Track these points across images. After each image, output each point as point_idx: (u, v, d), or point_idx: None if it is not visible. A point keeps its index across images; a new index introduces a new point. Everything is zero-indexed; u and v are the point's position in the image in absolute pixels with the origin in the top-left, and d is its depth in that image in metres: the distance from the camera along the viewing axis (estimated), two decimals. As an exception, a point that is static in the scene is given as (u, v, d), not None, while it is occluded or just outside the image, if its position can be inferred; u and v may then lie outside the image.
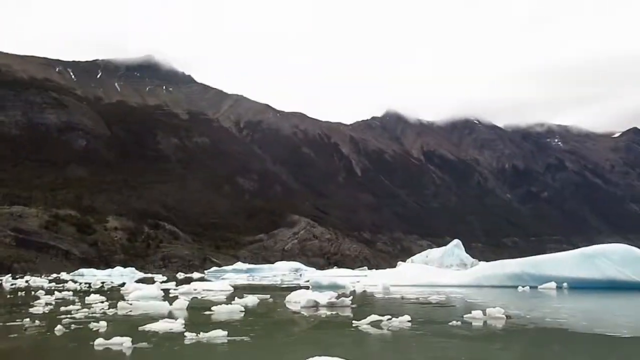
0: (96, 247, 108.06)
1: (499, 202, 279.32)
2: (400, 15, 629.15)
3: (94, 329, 9.57)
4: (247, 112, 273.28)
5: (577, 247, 27.67)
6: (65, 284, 36.87)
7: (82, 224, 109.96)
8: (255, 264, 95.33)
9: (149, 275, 70.67)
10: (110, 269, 76.33)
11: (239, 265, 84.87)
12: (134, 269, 78.08)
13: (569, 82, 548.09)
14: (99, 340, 7.52)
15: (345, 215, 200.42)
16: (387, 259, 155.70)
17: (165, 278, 53.10)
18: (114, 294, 22.47)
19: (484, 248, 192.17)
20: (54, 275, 64.15)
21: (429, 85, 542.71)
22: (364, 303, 15.31)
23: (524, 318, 10.91)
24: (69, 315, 12.26)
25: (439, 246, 76.35)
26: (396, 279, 31.04)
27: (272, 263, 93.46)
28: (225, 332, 8.01)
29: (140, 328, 9.28)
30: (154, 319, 10.60)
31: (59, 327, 9.42)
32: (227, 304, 13.54)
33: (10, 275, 61.45)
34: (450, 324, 9.52)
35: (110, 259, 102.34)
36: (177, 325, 9.21)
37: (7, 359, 7.16)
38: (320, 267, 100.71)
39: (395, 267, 79.93)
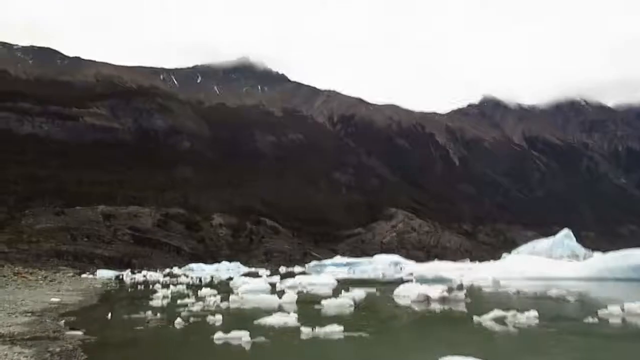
0: (203, 243, 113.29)
1: (613, 188, 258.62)
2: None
3: (211, 322, 9.78)
4: (339, 106, 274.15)
5: None
6: (178, 278, 39.02)
7: (189, 222, 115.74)
8: (354, 257, 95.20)
9: (253, 269, 73.09)
10: (217, 264, 79.57)
11: (339, 259, 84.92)
12: (239, 263, 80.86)
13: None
14: (219, 334, 7.58)
15: (444, 206, 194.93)
16: (489, 251, 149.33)
17: (268, 272, 54.61)
18: (223, 288, 23.26)
19: (597, 238, 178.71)
20: (167, 270, 68.09)
21: (528, 67, 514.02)
22: (477, 297, 14.51)
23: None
24: (186, 309, 12.72)
25: (546, 237, 71.36)
26: (505, 272, 29.48)
27: (371, 256, 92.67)
28: (341, 327, 7.78)
29: (255, 322, 9.33)
30: (266, 312, 10.65)
31: (178, 320, 9.73)
32: (334, 297, 13.41)
33: (129, 270, 66.16)
34: (585, 321, 8.64)
35: (217, 254, 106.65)
36: (291, 319, 9.14)
37: (135, 350, 7.40)
38: (420, 260, 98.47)
39: (499, 259, 76.66)
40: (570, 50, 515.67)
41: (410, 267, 64.81)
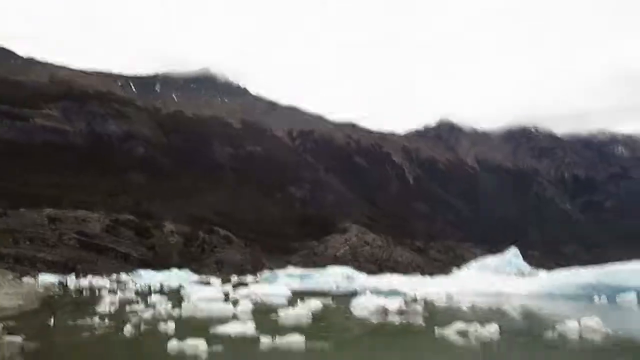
0: (153, 250, 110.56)
1: (558, 212, 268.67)
2: (453, 25, 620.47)
3: (163, 330, 9.27)
4: (299, 122, 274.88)
5: None
6: (126, 285, 37.69)
7: (140, 228, 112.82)
8: (306, 268, 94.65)
9: (204, 277, 71.61)
10: (167, 271, 77.64)
11: (291, 270, 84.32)
12: (189, 271, 79.20)
13: (632, 88, 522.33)
14: (173, 342, 7.12)
15: (397, 223, 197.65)
16: (440, 267, 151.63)
17: (220, 281, 53.60)
18: (174, 295, 22.53)
19: (542, 256, 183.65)
20: (114, 276, 65.90)
21: (482, 94, 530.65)
22: (433, 311, 14.47)
23: (621, 331, 9.82)
24: (137, 315, 12.12)
25: (493, 254, 73.15)
26: (457, 287, 29.82)
27: (324, 268, 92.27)
28: (302, 338, 7.45)
29: (211, 330, 8.89)
30: (221, 321, 10.22)
31: (127, 327, 9.17)
32: (291, 307, 13.10)
33: (74, 274, 63.68)
34: (545, 335, 8.64)
35: (167, 262, 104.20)
36: (248, 328, 8.76)
37: (81, 359, 6.87)
38: (372, 273, 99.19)
39: (449, 274, 77.76)
40: (524, 79, 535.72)
41: (362, 279, 65.10)
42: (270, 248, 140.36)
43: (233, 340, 7.89)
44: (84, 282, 43.15)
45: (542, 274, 60.26)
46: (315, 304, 15.46)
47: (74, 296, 23.93)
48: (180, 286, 36.65)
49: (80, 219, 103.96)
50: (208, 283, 42.43)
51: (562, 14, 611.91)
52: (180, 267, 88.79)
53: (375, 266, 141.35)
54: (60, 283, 41.73)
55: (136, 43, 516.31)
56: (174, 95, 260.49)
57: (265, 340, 7.51)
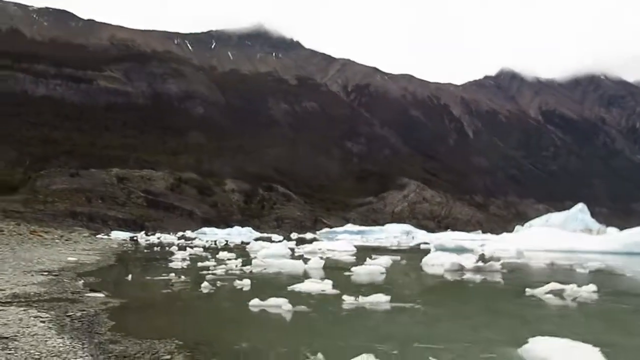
0: (216, 207, 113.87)
1: (629, 164, 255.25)
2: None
3: (239, 287, 9.18)
4: (354, 75, 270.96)
5: None
6: (193, 241, 38.80)
7: (202, 187, 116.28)
8: (365, 226, 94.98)
9: (265, 234, 73.15)
10: (229, 228, 79.81)
11: (350, 226, 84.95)
12: (250, 228, 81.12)
13: None
14: (255, 301, 6.91)
15: (456, 178, 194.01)
16: (500, 223, 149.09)
17: (281, 237, 54.43)
18: (240, 252, 22.81)
19: (610, 213, 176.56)
20: (180, 233, 68.30)
21: (546, 41, 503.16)
22: (512, 269, 13.81)
23: None
24: (209, 271, 12.18)
25: (557, 211, 70.41)
26: (527, 243, 28.77)
27: (382, 225, 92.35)
28: (388, 298, 7.09)
29: (289, 288, 8.70)
30: (294, 278, 10.06)
31: (205, 284, 9.11)
32: (361, 264, 12.82)
33: (144, 232, 66.43)
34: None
35: (229, 219, 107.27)
36: (327, 287, 8.51)
37: (167, 316, 6.79)
38: (431, 230, 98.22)
39: (511, 231, 75.98)
40: (590, 24, 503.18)
41: (422, 236, 64.47)
42: (328, 205, 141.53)
43: (315, 299, 7.62)
44: (154, 238, 44.79)
45: (612, 230, 57.68)
46: (385, 260, 15.13)
47: (145, 252, 24.70)
48: (245, 243, 37.34)
49: (146, 178, 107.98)
50: (270, 240, 43.06)
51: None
52: (241, 224, 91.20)
53: (434, 223, 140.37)
54: (132, 239, 43.53)
55: (189, 1, 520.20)
56: (229, 53, 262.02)
57: (348, 299, 7.20)
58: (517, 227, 61.91)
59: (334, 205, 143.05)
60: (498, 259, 19.02)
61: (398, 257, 16.62)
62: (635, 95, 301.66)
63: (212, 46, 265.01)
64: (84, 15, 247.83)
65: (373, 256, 16.31)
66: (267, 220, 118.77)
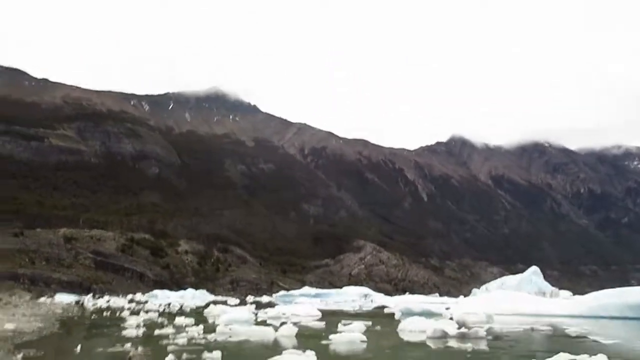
0: (168, 269, 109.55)
1: (575, 227, 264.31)
2: (463, 39, 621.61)
3: (210, 360, 8.08)
4: (310, 138, 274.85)
5: None
6: (145, 305, 36.54)
7: (155, 248, 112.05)
8: (321, 288, 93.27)
9: (220, 297, 70.54)
10: (182, 291, 76.59)
11: (307, 289, 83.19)
12: (204, 291, 78.14)
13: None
14: None
15: (412, 241, 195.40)
16: (456, 286, 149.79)
17: (237, 301, 52.39)
18: (199, 317, 21.30)
19: (560, 276, 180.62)
20: (130, 296, 64.85)
21: (495, 109, 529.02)
22: (495, 335, 13.08)
23: None
24: (169, 341, 10.94)
25: (511, 273, 71.61)
26: (492, 307, 28.30)
27: (339, 288, 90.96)
28: None
29: (268, 361, 7.65)
30: (269, 348, 8.98)
31: (170, 357, 7.94)
32: (334, 331, 11.87)
33: (91, 295, 62.69)
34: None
35: (182, 282, 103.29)
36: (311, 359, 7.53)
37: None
38: (388, 293, 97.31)
39: (467, 294, 75.94)
40: (536, 94, 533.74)
41: (380, 299, 63.54)
42: (284, 267, 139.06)
43: None
44: (102, 302, 42.07)
45: (564, 293, 58.40)
46: (358, 326, 14.19)
47: (93, 317, 22.75)
48: (200, 306, 35.48)
49: (96, 238, 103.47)
50: (225, 303, 41.14)
51: (573, 28, 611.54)
52: (195, 287, 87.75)
53: (390, 285, 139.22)
54: (77, 303, 40.70)
55: (147, 63, 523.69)
56: (186, 114, 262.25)
57: None
58: (474, 290, 62.01)
59: (290, 267, 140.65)
60: (477, 325, 18.31)
61: (369, 323, 15.64)
62: (578, 162, 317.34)
63: (170, 107, 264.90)
64: (37, 74, 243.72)
65: (343, 322, 15.30)
66: (222, 283, 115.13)
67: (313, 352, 7.87)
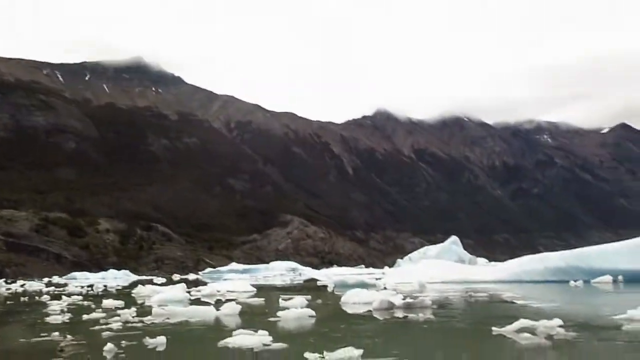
0: (88, 250, 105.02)
1: (490, 199, 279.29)
2: (389, 13, 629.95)
3: (153, 346, 7.37)
4: (237, 112, 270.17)
5: (567, 243, 25.97)
6: (65, 288, 34.54)
7: (73, 227, 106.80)
8: (249, 264, 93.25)
9: (144, 277, 68.41)
10: (103, 272, 73.95)
11: (235, 265, 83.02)
12: (127, 271, 75.80)
13: (558, 80, 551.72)
14: None
15: (337, 214, 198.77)
16: (380, 257, 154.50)
17: (163, 280, 50.91)
18: (127, 298, 20.22)
19: (476, 244, 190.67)
20: (47, 279, 61.41)
21: (418, 84, 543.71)
22: (439, 304, 13.16)
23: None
24: (101, 326, 10.07)
25: (431, 243, 74.77)
26: (423, 276, 29.06)
27: (267, 263, 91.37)
28: (360, 351, 5.81)
29: (220, 344, 7.07)
30: (218, 329, 8.41)
31: (108, 345, 7.16)
32: (276, 307, 11.45)
33: (3, 279, 58.75)
34: (618, 327, 7.48)
35: (103, 262, 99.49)
36: (266, 339, 7.04)
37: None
38: (315, 267, 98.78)
39: (391, 264, 78.23)
40: (458, 70, 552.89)
41: (309, 272, 64.33)
42: (211, 243, 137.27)
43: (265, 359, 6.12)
44: (16, 286, 39.34)
45: (481, 260, 61.61)
46: (300, 301, 13.84)
47: (9, 303, 21.05)
48: (128, 287, 34.04)
49: (7, 219, 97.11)
50: (151, 282, 39.74)
51: (492, 7, 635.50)
52: (117, 267, 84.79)
53: (317, 259, 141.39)
54: (-11, 288, 37.82)
55: (63, 30, 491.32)
56: (104, 86, 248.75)
57: (311, 357, 5.81)
58: (398, 261, 63.97)
59: (217, 243, 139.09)
60: (414, 294, 18.52)
61: (309, 297, 15.37)
62: (494, 136, 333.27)
63: (87, 78, 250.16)
64: None
65: (282, 297, 14.93)
66: (145, 262, 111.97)
67: (266, 332, 7.39)
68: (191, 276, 67.17)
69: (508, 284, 24.25)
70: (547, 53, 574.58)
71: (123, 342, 7.52)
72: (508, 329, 7.20)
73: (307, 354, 5.65)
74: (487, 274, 28.05)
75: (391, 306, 11.32)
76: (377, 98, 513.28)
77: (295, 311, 10.45)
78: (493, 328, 7.37)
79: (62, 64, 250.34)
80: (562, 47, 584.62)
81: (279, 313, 10.34)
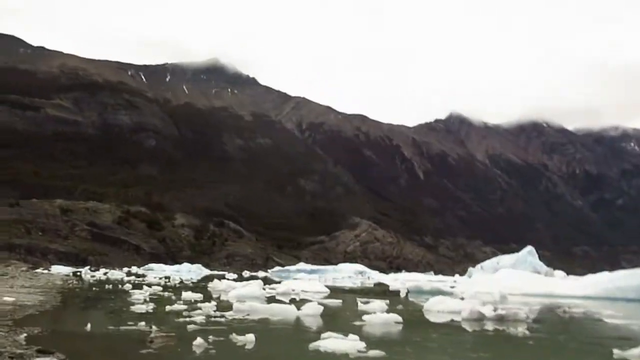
0: (164, 243, 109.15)
1: (569, 208, 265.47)
2: (465, 16, 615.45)
3: (242, 344, 7.18)
4: (309, 113, 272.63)
5: None
6: (144, 278, 35.85)
7: (151, 220, 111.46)
8: (316, 265, 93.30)
9: (215, 272, 70.23)
10: (178, 265, 76.45)
11: (303, 265, 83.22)
12: (200, 265, 78.01)
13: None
14: None
15: (407, 218, 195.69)
16: (449, 265, 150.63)
17: (235, 275, 51.89)
18: (204, 292, 20.52)
19: (553, 256, 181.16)
20: (126, 269, 64.44)
21: (494, 88, 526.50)
22: (534, 319, 12.26)
23: None
24: (185, 318, 10.09)
25: (504, 253, 71.55)
26: (502, 286, 27.69)
27: (334, 264, 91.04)
28: None
29: (311, 346, 6.77)
30: (303, 330, 8.12)
31: (198, 340, 7.02)
32: (354, 309, 11.02)
33: (87, 267, 62.15)
34: None
35: (178, 255, 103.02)
36: (358, 345, 6.66)
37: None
38: (383, 271, 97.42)
39: (462, 273, 75.57)
40: (536, 73, 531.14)
41: (377, 276, 63.47)
42: (280, 242, 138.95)
43: None
44: (99, 274, 41.36)
45: (559, 273, 58.13)
46: (379, 305, 13.37)
47: (94, 290, 21.93)
48: (201, 280, 34.83)
49: (92, 210, 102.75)
50: (223, 277, 40.55)
51: (573, 6, 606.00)
52: (190, 260, 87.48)
53: (385, 263, 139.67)
54: (75, 275, 39.98)
55: (145, 32, 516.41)
56: (184, 86, 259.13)
57: None
58: (470, 269, 61.81)
59: (286, 243, 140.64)
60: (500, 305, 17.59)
61: (387, 301, 14.86)
62: (575, 142, 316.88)
63: (167, 79, 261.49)
64: (33, 42, 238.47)
65: (360, 300, 14.52)
66: (217, 257, 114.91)
67: (356, 337, 7.01)
68: (260, 273, 68.19)
69: (598, 300, 22.60)
70: (634, 52, 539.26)
71: (210, 337, 7.38)
72: (633, 353, 6.41)
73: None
74: (573, 289, 26.30)
75: (481, 317, 10.63)
76: (450, 102, 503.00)
77: (381, 316, 10.01)
78: (615, 351, 6.59)
79: (145, 65, 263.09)
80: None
81: (365, 317, 9.95)
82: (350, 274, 73.45)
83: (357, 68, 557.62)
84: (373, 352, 6.33)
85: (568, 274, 60.49)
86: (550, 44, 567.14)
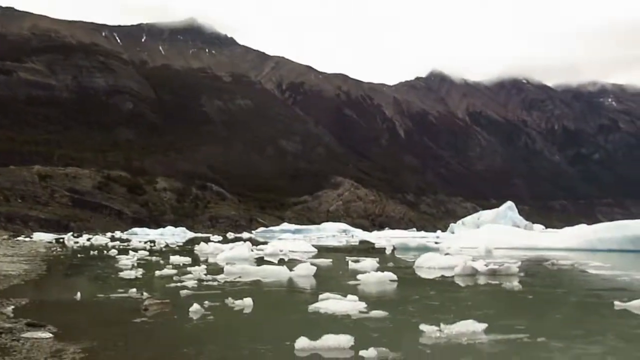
0: (147, 207, 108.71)
1: (547, 164, 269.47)
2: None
3: (239, 308, 7.01)
4: (289, 73, 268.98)
5: (629, 212, 24.10)
6: (129, 243, 35.60)
7: (132, 185, 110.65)
8: (300, 224, 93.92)
9: (199, 234, 70.24)
10: (161, 229, 76.18)
11: (286, 225, 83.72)
12: (184, 228, 77.94)
13: (623, 40, 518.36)
14: (303, 343, 4.52)
15: (388, 177, 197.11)
16: (431, 221, 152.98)
17: (219, 238, 51.84)
18: (192, 255, 20.38)
19: (531, 211, 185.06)
20: (109, 234, 64.03)
21: (474, 45, 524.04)
22: (526, 272, 12.30)
23: None
24: (176, 283, 9.92)
25: (484, 209, 72.33)
26: (488, 241, 28.04)
27: (317, 224, 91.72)
28: (483, 325, 5.09)
29: (310, 308, 6.63)
30: (298, 292, 7.99)
31: (194, 306, 6.84)
32: (345, 269, 10.95)
33: (70, 233, 61.57)
34: None
35: (160, 219, 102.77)
36: (359, 305, 6.54)
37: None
38: (366, 229, 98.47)
39: (443, 228, 76.53)
40: (516, 31, 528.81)
41: (361, 234, 64.12)
42: (263, 203, 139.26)
43: (374, 331, 5.54)
44: (83, 240, 40.92)
45: (537, 227, 59.25)
46: (370, 263, 13.33)
47: (80, 256, 21.64)
48: (185, 243, 34.70)
49: (72, 176, 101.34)
50: (208, 240, 40.48)
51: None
52: (174, 224, 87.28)
53: (368, 221, 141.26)
54: (58, 241, 39.52)
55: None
56: (160, 47, 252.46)
57: (428, 330, 5.19)
58: (452, 225, 62.83)
59: (269, 204, 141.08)
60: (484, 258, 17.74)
61: (377, 259, 14.85)
62: (554, 98, 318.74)
63: (143, 40, 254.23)
64: (1, 2, 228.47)
65: (349, 259, 14.48)
66: (200, 220, 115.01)
67: (355, 297, 6.90)
68: (245, 235, 68.35)
69: (581, 252, 23.03)
70: (612, 9, 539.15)
71: (206, 302, 7.19)
72: (634, 305, 6.42)
73: (423, 326, 5.11)
74: (556, 241, 26.74)
75: (474, 272, 10.66)
76: (431, 59, 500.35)
77: (375, 275, 9.95)
78: (616, 303, 6.59)
79: (119, 26, 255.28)
80: (627, 4, 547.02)
81: (359, 277, 9.88)
82: (334, 232, 74.12)
83: (336, 26, 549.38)
84: (376, 313, 6.21)
85: (546, 227, 61.77)
86: (530, 1, 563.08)
